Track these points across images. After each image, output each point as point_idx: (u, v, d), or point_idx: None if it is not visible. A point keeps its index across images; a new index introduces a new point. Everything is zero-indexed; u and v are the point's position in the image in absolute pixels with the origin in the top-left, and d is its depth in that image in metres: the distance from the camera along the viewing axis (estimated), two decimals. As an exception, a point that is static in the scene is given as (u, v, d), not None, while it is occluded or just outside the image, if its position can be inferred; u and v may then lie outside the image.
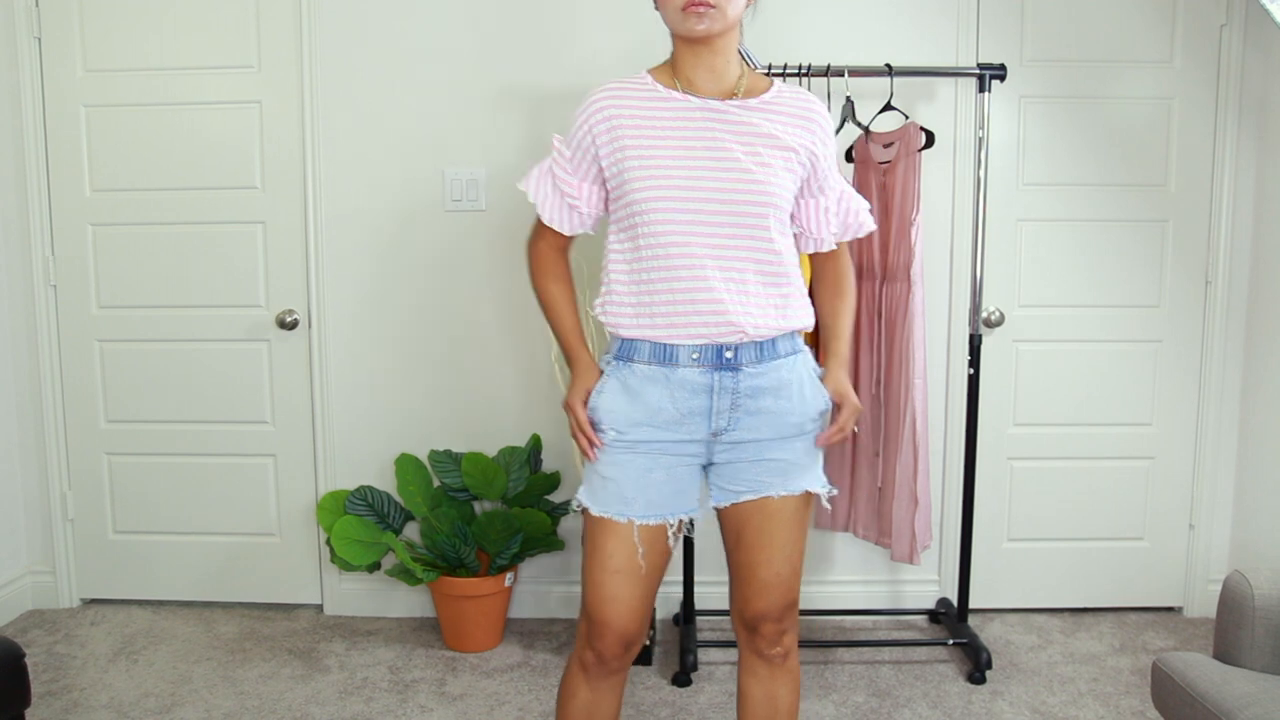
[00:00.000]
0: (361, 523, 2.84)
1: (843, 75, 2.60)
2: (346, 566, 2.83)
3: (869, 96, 2.73)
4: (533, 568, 3.05)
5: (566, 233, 1.72)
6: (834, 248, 1.78)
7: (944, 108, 2.89)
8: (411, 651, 2.83)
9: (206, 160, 2.97)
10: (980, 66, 2.63)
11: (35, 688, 2.48)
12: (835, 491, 1.74)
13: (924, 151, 2.61)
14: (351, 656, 2.79)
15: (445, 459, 2.93)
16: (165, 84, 2.94)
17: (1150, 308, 2.99)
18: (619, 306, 1.64)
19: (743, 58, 1.69)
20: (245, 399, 3.05)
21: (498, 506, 2.92)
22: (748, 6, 1.62)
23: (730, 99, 1.63)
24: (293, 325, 2.99)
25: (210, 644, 2.87)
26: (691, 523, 1.71)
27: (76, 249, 3.01)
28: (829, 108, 2.57)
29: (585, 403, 1.67)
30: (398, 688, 2.60)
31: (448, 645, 2.85)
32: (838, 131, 2.57)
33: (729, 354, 1.61)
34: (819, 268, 1.82)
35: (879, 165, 2.69)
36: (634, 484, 1.63)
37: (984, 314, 2.94)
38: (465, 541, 2.81)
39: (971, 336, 2.73)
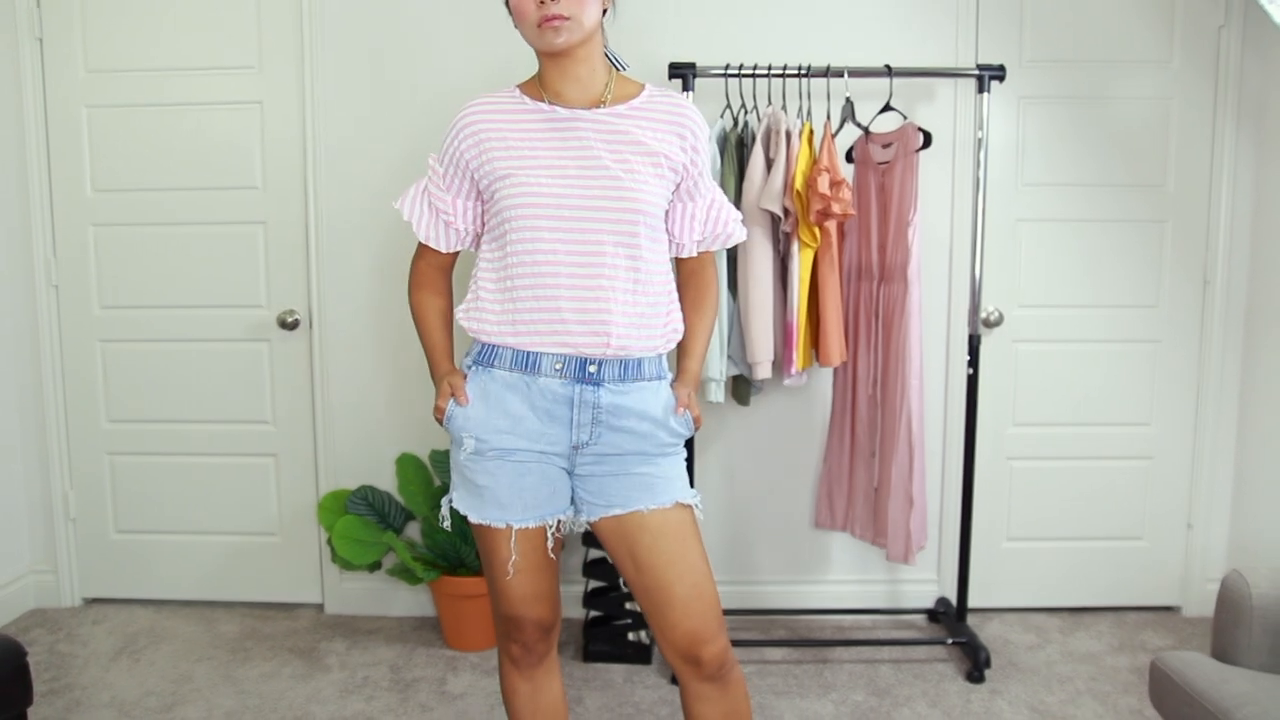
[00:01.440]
0: (362, 522, 2.84)
1: (843, 75, 2.61)
2: (347, 566, 2.84)
3: (869, 97, 2.73)
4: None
5: (444, 250, 1.73)
6: (694, 254, 1.76)
7: (943, 108, 2.90)
8: (412, 651, 2.83)
9: (207, 160, 2.97)
10: (980, 67, 2.64)
11: (37, 686, 2.49)
12: (700, 510, 1.70)
13: (923, 152, 2.62)
14: (352, 655, 2.80)
15: (446, 458, 2.94)
16: (166, 84, 2.95)
17: (1149, 308, 3.00)
18: (483, 313, 1.64)
19: (611, 62, 1.69)
20: (246, 399, 3.05)
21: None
22: (605, 13, 1.62)
23: (598, 107, 1.63)
24: (293, 325, 2.99)
25: (211, 643, 2.87)
26: (567, 522, 1.71)
27: (78, 249, 3.02)
28: (829, 108, 2.61)
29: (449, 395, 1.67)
30: (398, 687, 2.61)
31: (448, 644, 2.86)
32: (837, 132, 2.58)
33: (592, 368, 1.60)
34: (683, 277, 1.79)
35: (878, 166, 2.69)
36: (508, 490, 1.63)
37: (983, 314, 2.95)
38: (466, 541, 2.82)
39: (971, 337, 2.74)
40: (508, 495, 1.63)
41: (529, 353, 1.61)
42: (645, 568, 1.63)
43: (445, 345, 1.76)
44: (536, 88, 1.67)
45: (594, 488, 1.65)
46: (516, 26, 1.61)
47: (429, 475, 2.96)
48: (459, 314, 1.69)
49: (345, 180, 2.94)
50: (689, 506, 1.66)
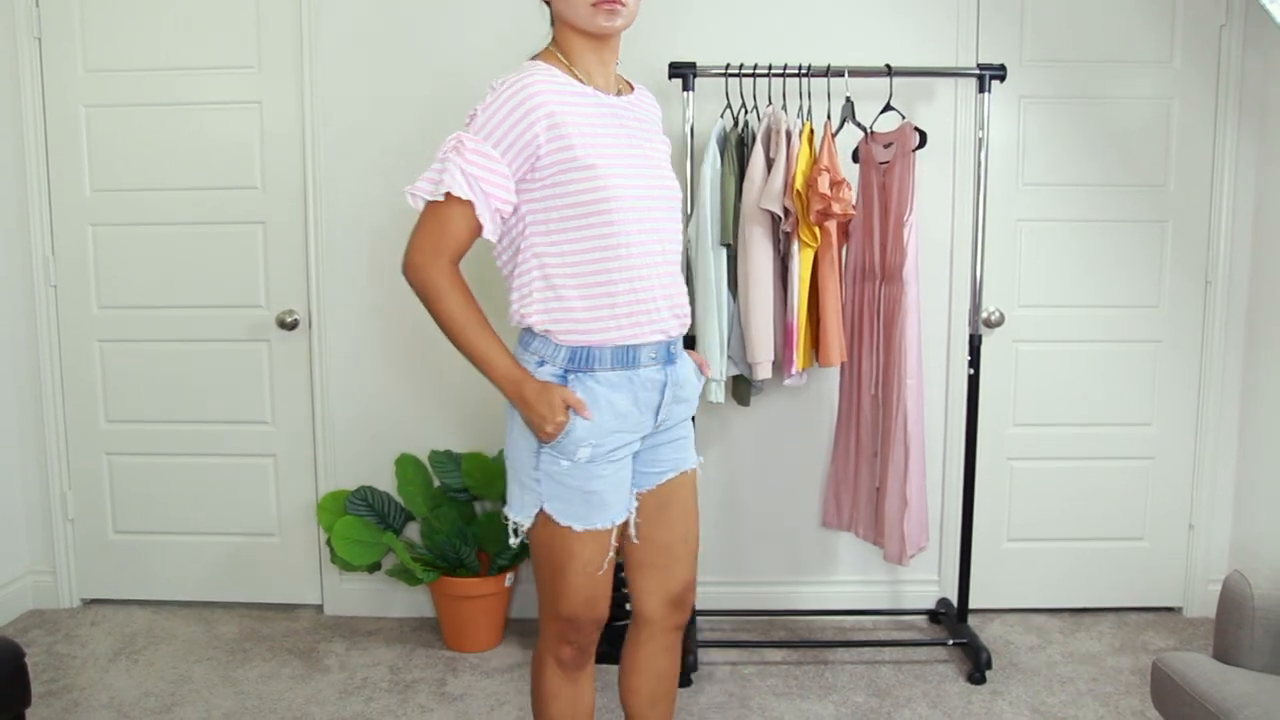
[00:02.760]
0: (362, 523, 2.84)
1: (843, 75, 2.60)
2: (347, 566, 2.83)
3: (869, 97, 2.73)
4: (533, 568, 3.05)
5: (492, 238, 1.56)
6: None
7: (944, 108, 2.89)
8: (412, 651, 2.83)
9: (207, 160, 2.97)
10: (980, 67, 2.63)
11: (35, 687, 2.48)
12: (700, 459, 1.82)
13: (923, 152, 2.61)
14: (352, 656, 2.79)
15: (445, 459, 2.93)
16: (165, 84, 2.95)
17: (1150, 308, 2.99)
18: (570, 313, 1.55)
19: None
20: (245, 399, 3.05)
21: (498, 507, 2.92)
22: None
23: (619, 94, 1.66)
24: (293, 325, 2.99)
25: (210, 644, 2.87)
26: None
27: (77, 249, 3.01)
28: (829, 108, 2.60)
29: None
30: (398, 688, 2.61)
31: (448, 645, 2.85)
32: (837, 132, 2.58)
33: (673, 348, 1.68)
34: None
35: (880, 165, 2.69)
36: (614, 490, 1.62)
37: (984, 314, 2.94)
38: (465, 542, 2.81)
39: (971, 337, 2.74)
40: (613, 495, 1.61)
41: (628, 347, 1.59)
42: (667, 523, 1.72)
43: (504, 346, 1.58)
44: (566, 68, 1.59)
45: (650, 459, 1.70)
46: (549, 3, 1.59)
47: (428, 476, 2.96)
48: (532, 319, 1.57)
49: (345, 180, 2.94)
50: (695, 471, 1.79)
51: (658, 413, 1.65)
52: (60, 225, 3.01)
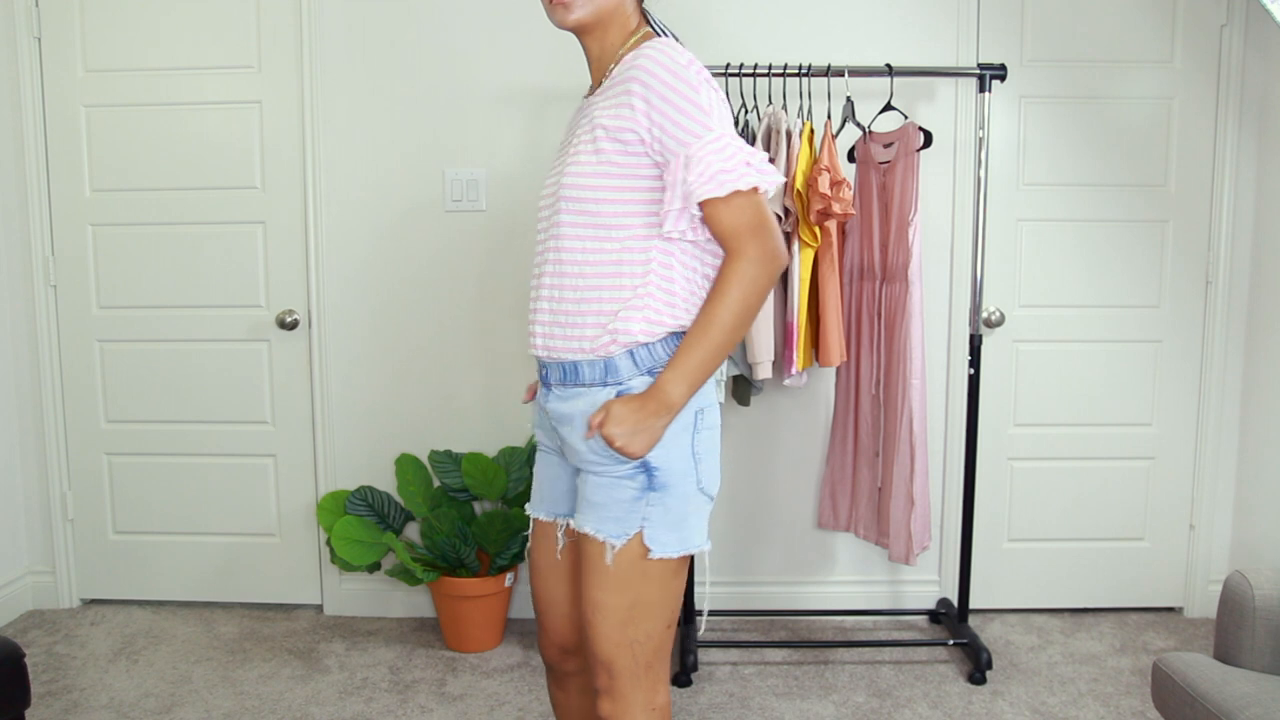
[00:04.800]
0: (362, 523, 2.83)
1: (843, 75, 2.60)
2: (347, 567, 2.83)
3: (869, 96, 2.73)
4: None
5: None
6: (673, 232, 1.39)
7: (944, 108, 2.89)
8: (412, 652, 2.83)
9: (206, 160, 2.97)
10: (980, 66, 2.63)
11: (35, 688, 2.48)
12: (615, 547, 1.42)
13: (924, 151, 2.61)
14: (351, 657, 2.79)
15: (445, 459, 2.93)
16: (165, 84, 2.94)
17: (1150, 308, 2.99)
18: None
19: (657, 33, 1.52)
20: (245, 399, 3.05)
21: (498, 507, 2.92)
22: None
23: (595, 92, 1.51)
24: (293, 325, 2.99)
25: (210, 644, 2.86)
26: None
27: (76, 249, 3.01)
28: (829, 107, 2.60)
29: None
30: (398, 688, 2.60)
31: (448, 645, 2.85)
32: (838, 133, 2.57)
33: (543, 370, 1.53)
34: None
35: (879, 165, 2.69)
36: (537, 479, 1.64)
37: (984, 314, 2.94)
38: (465, 542, 2.81)
39: (972, 336, 2.73)
40: (540, 486, 1.63)
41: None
42: (558, 569, 1.62)
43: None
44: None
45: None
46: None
47: (428, 476, 2.96)
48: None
49: (345, 180, 2.94)
50: (602, 544, 1.42)
51: (551, 435, 1.57)
52: (60, 225, 3.01)
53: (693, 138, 1.36)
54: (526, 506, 1.67)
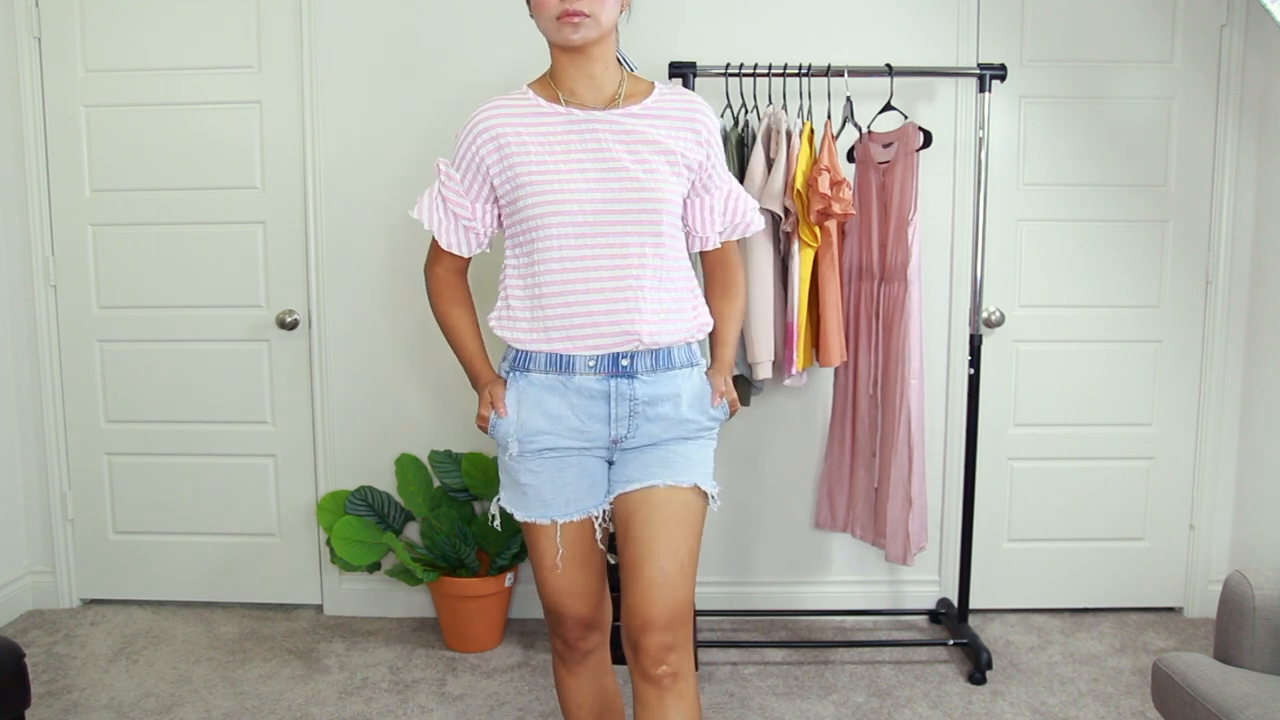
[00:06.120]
0: (362, 523, 2.84)
1: (843, 75, 2.60)
2: (347, 567, 2.83)
3: (869, 96, 2.73)
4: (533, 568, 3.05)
5: (465, 255, 1.73)
6: (716, 245, 1.78)
7: (944, 108, 2.89)
8: (412, 652, 2.83)
9: (206, 160, 2.97)
10: (980, 66, 2.63)
11: (35, 688, 2.48)
12: (717, 504, 1.68)
13: (924, 151, 2.61)
14: (351, 657, 2.79)
15: (445, 459, 2.93)
16: (165, 84, 2.94)
17: (1150, 308, 2.99)
18: (515, 320, 1.66)
19: (620, 62, 1.69)
20: (245, 399, 3.05)
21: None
22: (622, 12, 1.62)
23: (612, 107, 1.64)
24: (293, 325, 2.99)
25: (210, 644, 2.86)
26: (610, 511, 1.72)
27: (76, 249, 3.01)
28: (829, 107, 2.60)
29: (492, 405, 1.68)
30: (398, 688, 2.60)
31: (448, 645, 2.85)
32: (838, 135, 2.58)
33: (625, 361, 1.63)
34: (709, 268, 1.82)
35: (879, 165, 2.69)
36: (550, 486, 1.66)
37: (984, 314, 2.94)
38: (465, 542, 2.81)
39: (971, 336, 2.73)
40: (550, 491, 1.66)
41: (562, 355, 1.63)
42: (631, 541, 1.62)
43: (480, 352, 1.77)
44: (550, 87, 1.66)
45: (619, 469, 1.68)
46: (533, 17, 1.61)
47: (428, 476, 2.96)
48: (492, 321, 1.70)
49: (345, 180, 2.94)
50: (702, 494, 1.66)
51: (610, 425, 1.64)
52: (60, 225, 3.01)
53: (729, 176, 1.77)
54: (532, 515, 1.69)
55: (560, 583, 1.70)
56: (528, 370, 1.66)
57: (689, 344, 1.70)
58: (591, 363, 1.62)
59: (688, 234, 1.74)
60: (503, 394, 1.67)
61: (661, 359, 1.65)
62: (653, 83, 1.70)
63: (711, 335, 1.80)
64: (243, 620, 3.03)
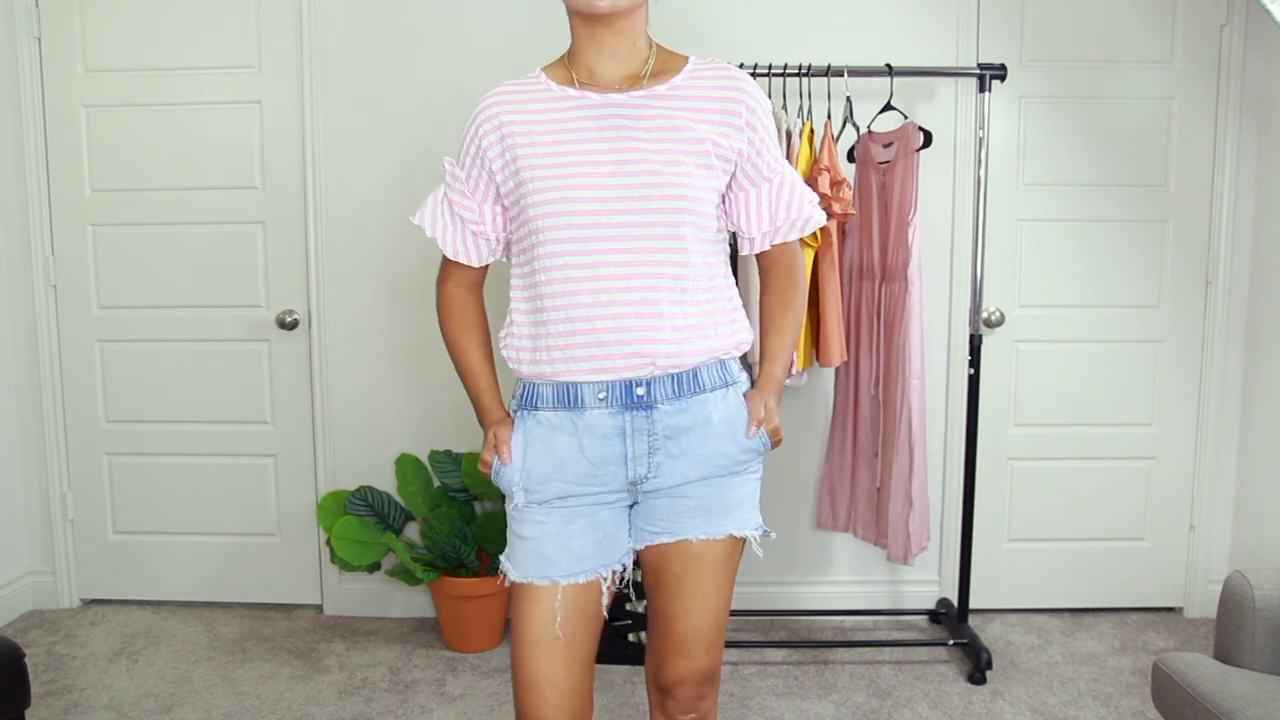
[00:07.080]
0: (362, 523, 2.84)
1: (843, 75, 2.60)
2: (346, 567, 2.83)
3: (869, 96, 2.73)
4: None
5: (476, 265, 1.52)
6: (766, 248, 1.52)
7: (944, 108, 2.89)
8: (412, 652, 2.83)
9: (206, 160, 2.97)
10: (980, 66, 2.63)
11: (35, 688, 2.48)
12: (772, 536, 1.51)
13: (924, 151, 2.61)
14: (351, 657, 2.79)
15: (445, 459, 2.93)
16: (165, 84, 2.94)
17: (1150, 308, 2.99)
18: (518, 340, 1.45)
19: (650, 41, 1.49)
20: (245, 399, 3.05)
21: (498, 506, 2.92)
22: None
23: (636, 88, 1.42)
24: (293, 325, 2.99)
25: (210, 644, 2.86)
26: (624, 572, 1.50)
27: (76, 249, 3.01)
28: (829, 107, 2.60)
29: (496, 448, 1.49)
30: (398, 688, 2.60)
31: (448, 645, 2.85)
32: (838, 136, 2.57)
33: (640, 390, 1.40)
34: (762, 270, 1.58)
35: (879, 165, 2.69)
36: (553, 539, 1.43)
37: (984, 314, 2.94)
38: (465, 541, 2.81)
39: (971, 336, 2.73)
40: (552, 546, 1.43)
41: (568, 384, 1.41)
42: (663, 592, 1.47)
43: (490, 386, 1.54)
44: (565, 69, 1.45)
45: (645, 512, 1.47)
46: None
47: (428, 476, 2.96)
48: (499, 343, 1.50)
49: (345, 180, 2.94)
50: (740, 540, 1.47)
51: (627, 466, 1.42)
52: (60, 225, 3.01)
53: (782, 165, 1.49)
54: (529, 575, 1.44)
55: (542, 667, 1.40)
56: (536, 409, 1.45)
57: (722, 360, 1.46)
58: (601, 394, 1.40)
59: (737, 235, 1.52)
60: (508, 436, 1.46)
61: (685, 383, 1.42)
62: (687, 57, 1.46)
63: (761, 348, 1.55)
64: (243, 620, 3.03)
